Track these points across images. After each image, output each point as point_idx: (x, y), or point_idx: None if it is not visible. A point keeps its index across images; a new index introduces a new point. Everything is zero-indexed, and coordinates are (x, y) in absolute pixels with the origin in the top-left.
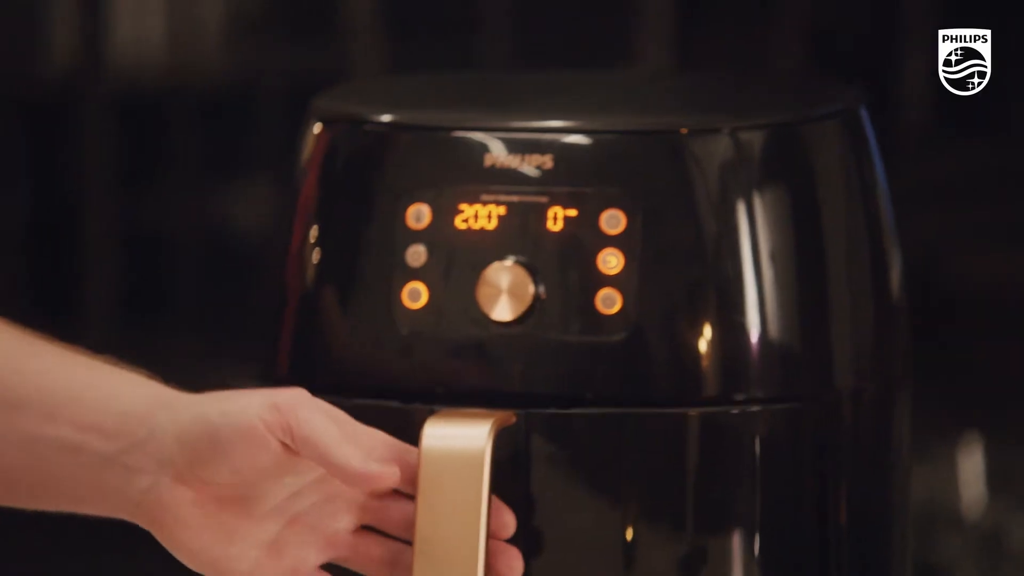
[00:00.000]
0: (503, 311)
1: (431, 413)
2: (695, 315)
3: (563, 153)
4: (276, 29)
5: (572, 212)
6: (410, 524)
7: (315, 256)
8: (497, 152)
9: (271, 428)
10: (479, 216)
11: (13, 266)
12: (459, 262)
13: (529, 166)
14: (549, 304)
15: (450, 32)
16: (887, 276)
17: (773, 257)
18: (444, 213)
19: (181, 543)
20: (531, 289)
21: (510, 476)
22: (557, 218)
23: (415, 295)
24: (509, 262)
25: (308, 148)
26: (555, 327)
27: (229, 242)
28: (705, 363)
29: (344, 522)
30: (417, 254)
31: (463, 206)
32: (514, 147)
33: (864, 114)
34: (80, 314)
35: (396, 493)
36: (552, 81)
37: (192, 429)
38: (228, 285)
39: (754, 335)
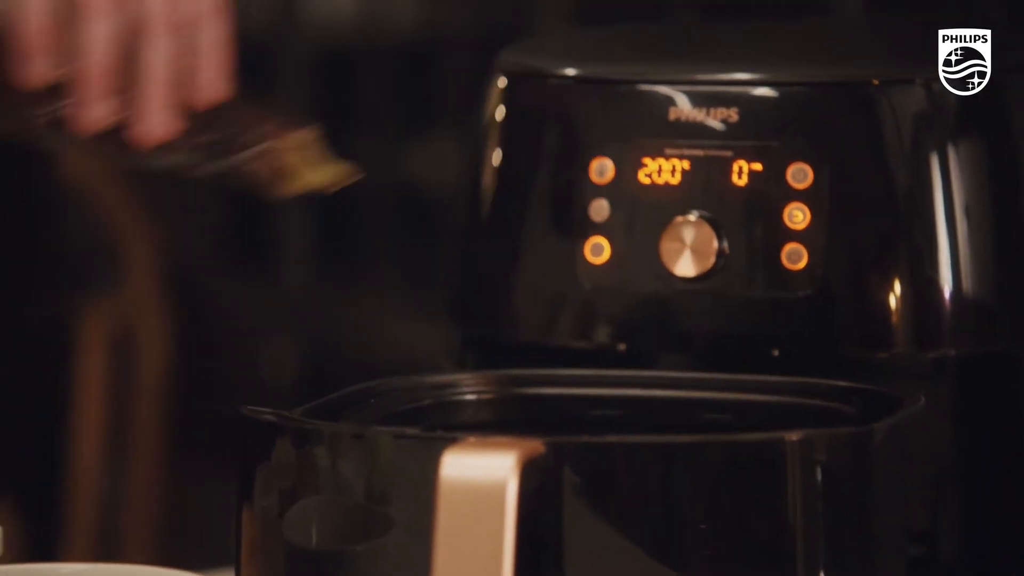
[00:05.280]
0: (686, 267)
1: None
2: (884, 271)
3: (749, 106)
4: None
5: (757, 166)
6: None
7: (498, 210)
8: (681, 105)
9: None
10: (663, 170)
11: (212, 217)
12: (642, 217)
13: (714, 119)
14: (733, 260)
15: None
16: None
17: (968, 212)
18: (628, 167)
19: None
20: (715, 244)
21: (541, 514)
22: (742, 172)
23: (598, 250)
24: (693, 217)
25: (492, 102)
26: (740, 283)
27: (416, 195)
28: (895, 320)
29: None
30: (600, 208)
31: (647, 160)
32: (699, 100)
33: None
34: (274, 265)
35: None
36: (738, 32)
37: None
38: (415, 237)
39: (947, 291)
